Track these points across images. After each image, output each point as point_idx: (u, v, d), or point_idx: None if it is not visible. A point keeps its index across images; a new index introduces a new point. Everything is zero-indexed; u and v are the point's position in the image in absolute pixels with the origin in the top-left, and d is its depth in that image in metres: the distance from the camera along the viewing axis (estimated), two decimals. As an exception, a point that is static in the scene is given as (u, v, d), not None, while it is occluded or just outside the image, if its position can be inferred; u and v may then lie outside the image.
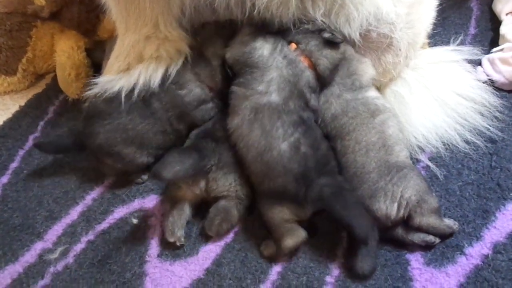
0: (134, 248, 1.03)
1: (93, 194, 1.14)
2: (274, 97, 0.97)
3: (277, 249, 0.95)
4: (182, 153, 0.98)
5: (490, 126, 1.12)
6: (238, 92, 1.00)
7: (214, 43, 1.08)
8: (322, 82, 1.04)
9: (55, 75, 1.40)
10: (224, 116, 1.04)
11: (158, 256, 1.01)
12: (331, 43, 1.03)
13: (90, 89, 1.10)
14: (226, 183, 1.00)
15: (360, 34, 1.04)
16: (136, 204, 1.11)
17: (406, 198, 0.92)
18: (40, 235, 1.08)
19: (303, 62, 1.02)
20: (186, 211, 1.02)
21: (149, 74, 1.04)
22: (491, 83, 1.20)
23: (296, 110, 0.98)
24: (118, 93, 1.05)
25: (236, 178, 1.00)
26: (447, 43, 1.30)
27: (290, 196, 0.92)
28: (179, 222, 1.00)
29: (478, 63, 1.26)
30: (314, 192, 0.91)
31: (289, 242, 0.93)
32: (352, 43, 1.06)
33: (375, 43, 1.07)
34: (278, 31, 1.04)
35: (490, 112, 1.14)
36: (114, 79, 1.06)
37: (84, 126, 1.09)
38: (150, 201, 1.11)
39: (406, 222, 0.93)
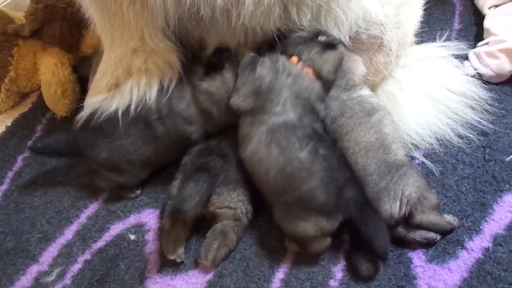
0: (133, 264, 1.01)
1: (88, 212, 1.12)
2: (291, 115, 0.96)
3: (302, 251, 0.95)
4: (196, 181, 0.96)
5: (481, 119, 1.13)
6: (250, 121, 0.99)
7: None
8: (328, 86, 1.03)
9: (41, 93, 1.38)
10: (229, 133, 1.05)
11: (158, 271, 0.99)
12: (329, 45, 1.02)
13: (83, 111, 1.09)
14: (228, 198, 0.98)
15: (350, 37, 1.04)
16: (132, 219, 1.09)
17: (406, 196, 0.92)
18: (35, 257, 1.05)
19: (309, 74, 1.01)
20: (186, 227, 1.00)
21: (143, 90, 1.02)
22: (479, 76, 1.21)
23: (310, 124, 0.97)
24: (115, 112, 1.03)
25: (240, 193, 0.99)
26: (434, 39, 1.32)
27: (318, 204, 0.89)
28: (179, 239, 0.98)
29: (465, 57, 1.27)
30: (343, 204, 0.90)
31: (316, 247, 0.93)
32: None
33: (366, 44, 1.07)
34: (271, 47, 1.03)
35: (480, 105, 1.15)
36: (107, 98, 1.04)
37: (85, 137, 1.06)
38: (146, 216, 1.09)
39: (407, 220, 0.93)
